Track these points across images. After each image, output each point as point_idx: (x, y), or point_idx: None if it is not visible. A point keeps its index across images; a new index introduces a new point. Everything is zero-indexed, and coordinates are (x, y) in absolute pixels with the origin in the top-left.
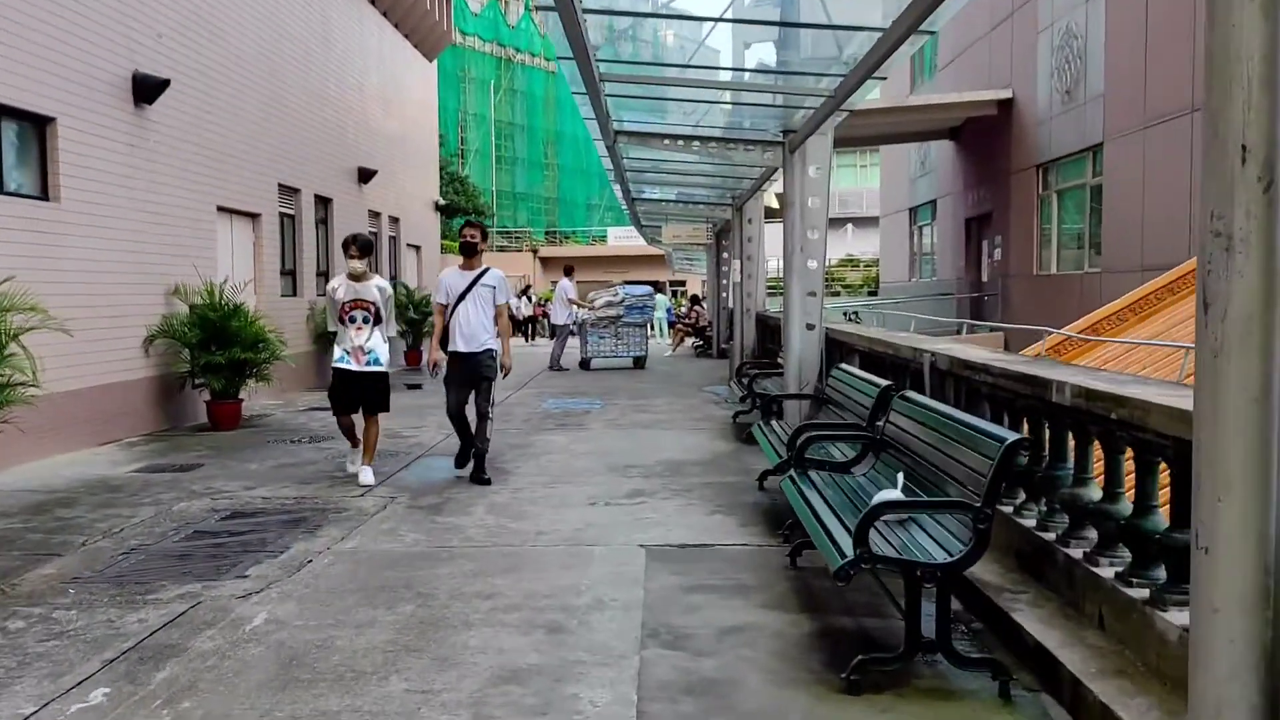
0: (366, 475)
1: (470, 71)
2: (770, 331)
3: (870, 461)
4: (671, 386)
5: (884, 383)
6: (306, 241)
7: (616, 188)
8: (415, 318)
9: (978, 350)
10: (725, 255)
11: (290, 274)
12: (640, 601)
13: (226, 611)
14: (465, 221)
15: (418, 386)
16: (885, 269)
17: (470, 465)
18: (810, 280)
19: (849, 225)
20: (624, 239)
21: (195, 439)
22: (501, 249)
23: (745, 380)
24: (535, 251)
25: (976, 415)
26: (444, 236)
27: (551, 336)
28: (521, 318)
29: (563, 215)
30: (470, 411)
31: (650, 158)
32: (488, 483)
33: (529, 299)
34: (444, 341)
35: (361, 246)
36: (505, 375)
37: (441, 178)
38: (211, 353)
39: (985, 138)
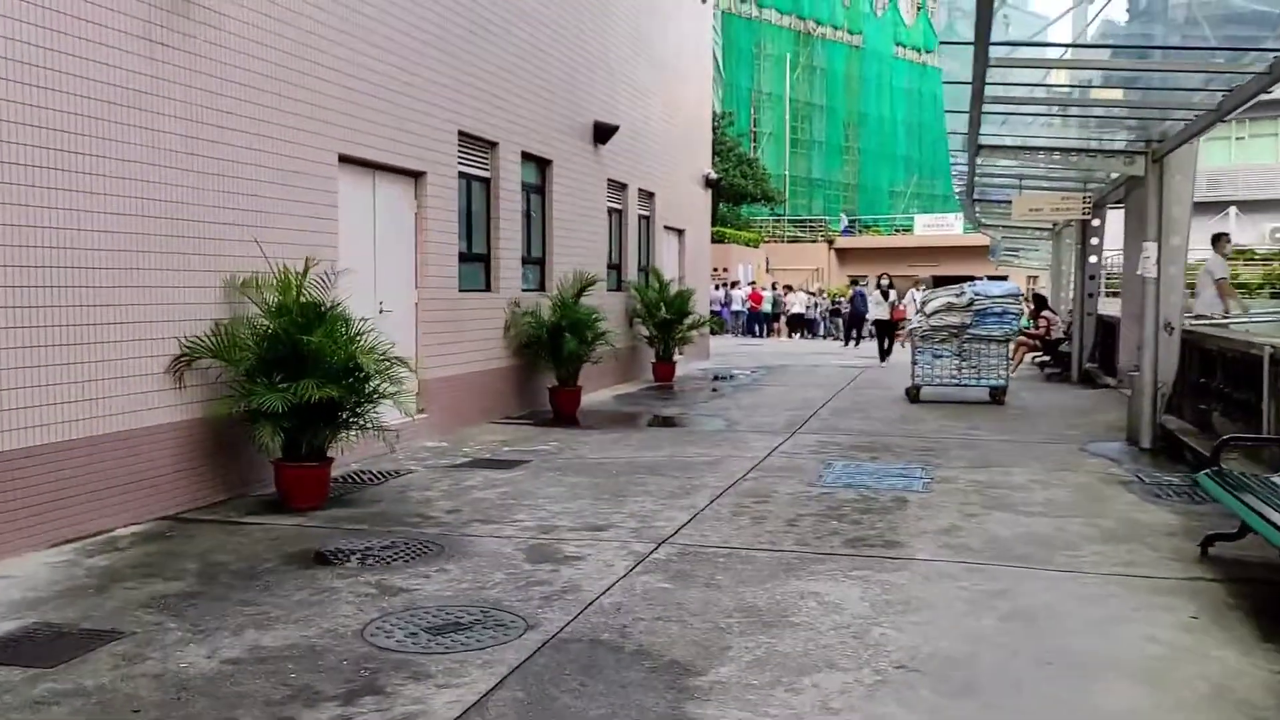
0: None
1: (765, 47)
2: (1215, 362)
3: None
4: (1030, 440)
5: None
6: (507, 216)
7: (957, 134)
8: (668, 318)
9: None
10: (1094, 241)
11: (480, 260)
12: None
13: None
14: None
15: (668, 423)
16: None
17: None
18: None
19: (1231, 209)
20: (933, 228)
21: (222, 538)
22: (794, 240)
23: (1242, 485)
24: (831, 242)
25: None
26: (720, 223)
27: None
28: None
29: (863, 203)
30: None
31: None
32: None
33: (883, 294)
34: None
35: None
36: None
37: (728, 159)
38: (271, 384)
39: None
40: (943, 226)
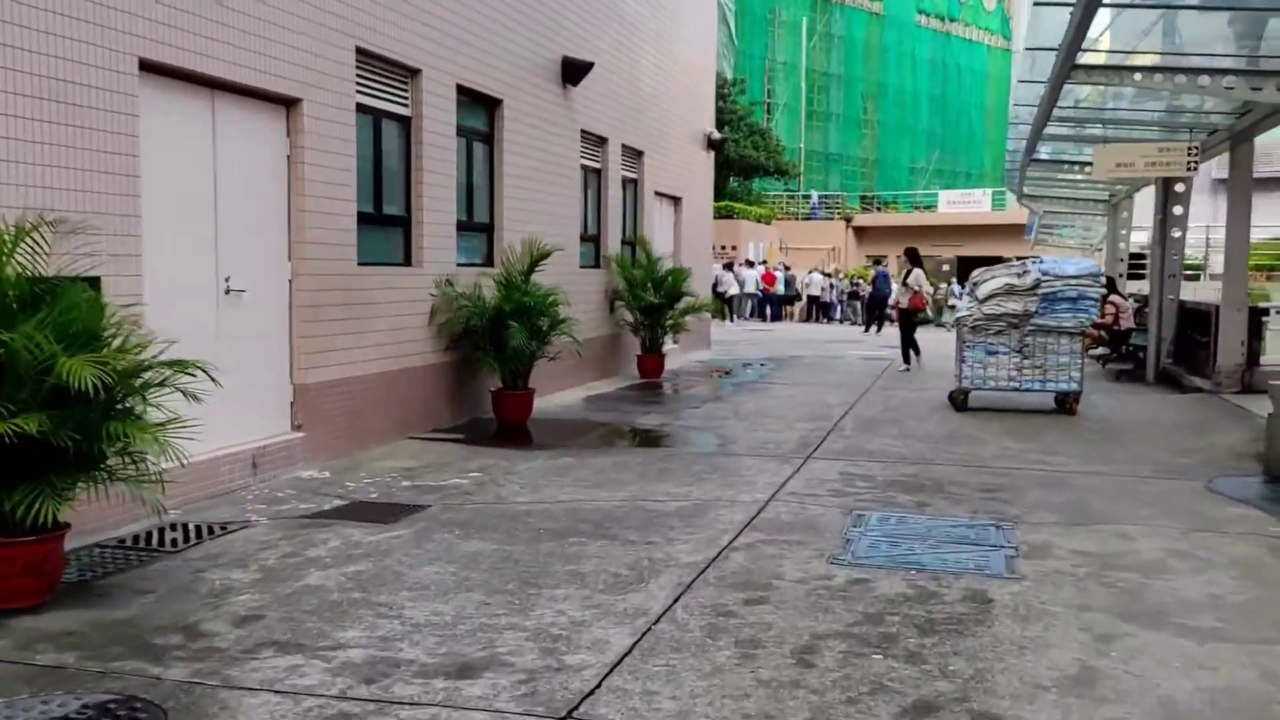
0: None
1: (780, 14)
2: None
3: None
4: (1133, 473)
5: None
6: (436, 168)
7: (1040, 50)
8: (656, 301)
9: None
10: (1176, 211)
11: (396, 225)
12: None
13: None
14: None
15: (642, 440)
16: None
17: None
18: None
19: None
20: (958, 205)
21: None
22: (808, 217)
23: None
24: (849, 220)
25: None
26: (730, 198)
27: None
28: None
29: (881, 179)
30: None
31: None
32: None
33: (905, 275)
34: None
35: None
36: None
37: (739, 129)
38: None
39: None
40: (969, 203)
